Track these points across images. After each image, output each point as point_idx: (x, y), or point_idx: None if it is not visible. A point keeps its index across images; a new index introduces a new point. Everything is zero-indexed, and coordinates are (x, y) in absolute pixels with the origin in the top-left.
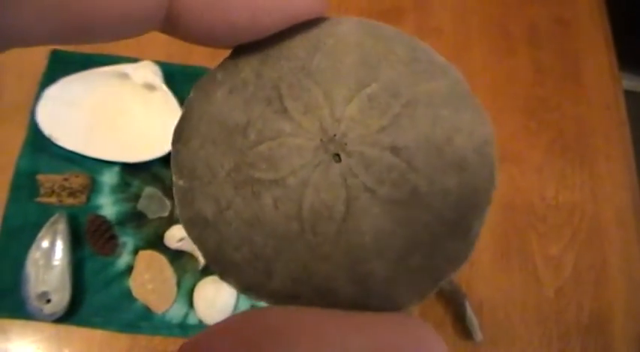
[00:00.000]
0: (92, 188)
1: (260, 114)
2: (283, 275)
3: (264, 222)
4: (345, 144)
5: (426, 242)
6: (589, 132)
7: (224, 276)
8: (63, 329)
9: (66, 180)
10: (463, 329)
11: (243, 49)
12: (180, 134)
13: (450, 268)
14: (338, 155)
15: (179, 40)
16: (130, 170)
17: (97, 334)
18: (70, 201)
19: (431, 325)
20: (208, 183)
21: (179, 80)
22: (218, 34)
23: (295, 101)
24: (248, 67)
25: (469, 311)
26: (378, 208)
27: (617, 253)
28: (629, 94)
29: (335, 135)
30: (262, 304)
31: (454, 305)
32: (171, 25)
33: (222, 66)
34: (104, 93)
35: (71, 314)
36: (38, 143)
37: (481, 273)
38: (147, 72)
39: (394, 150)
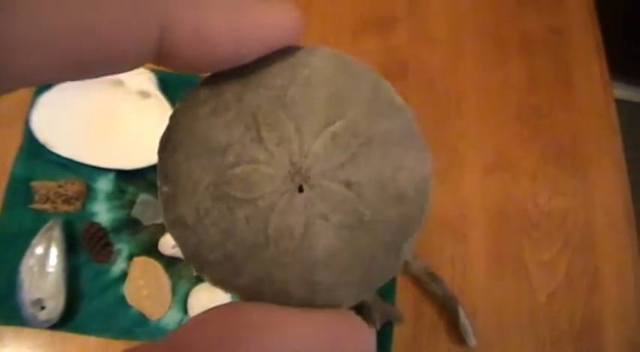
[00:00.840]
0: (87, 195)
1: (239, 138)
2: (249, 276)
3: (236, 233)
4: (309, 177)
5: (366, 259)
6: (581, 140)
7: (199, 272)
8: (58, 335)
9: (61, 186)
10: (457, 335)
11: (226, 74)
12: (165, 144)
13: (382, 279)
14: (301, 187)
15: (166, 68)
16: (125, 177)
17: (92, 341)
18: (64, 207)
19: (360, 318)
20: (190, 193)
21: (173, 87)
22: (204, 65)
23: (270, 132)
24: (230, 89)
25: (462, 316)
26: (330, 231)
27: (609, 259)
28: (620, 103)
29: (301, 168)
30: None
31: (448, 311)
32: (162, 58)
33: (205, 83)
34: (99, 100)
35: (66, 321)
36: (33, 150)
37: (474, 279)
38: (141, 79)
39: (348, 184)
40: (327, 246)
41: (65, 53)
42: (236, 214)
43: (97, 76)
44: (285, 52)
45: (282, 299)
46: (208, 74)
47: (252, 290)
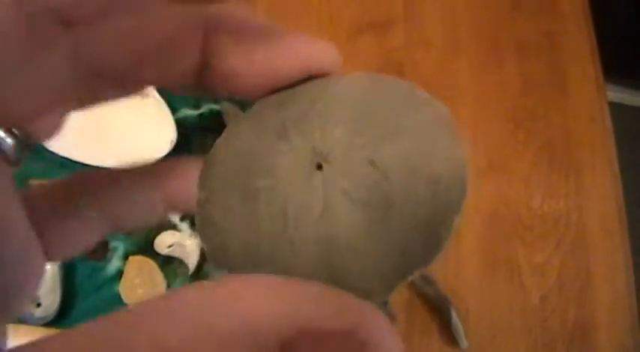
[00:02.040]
0: None
1: (266, 141)
2: (266, 268)
3: (258, 222)
4: (328, 155)
5: (398, 243)
6: (575, 143)
7: (221, 268)
8: (53, 332)
9: None
10: (449, 336)
11: (264, 102)
12: (209, 158)
13: (416, 268)
14: (320, 165)
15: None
16: None
17: None
18: None
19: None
20: (219, 193)
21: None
22: (246, 93)
23: (295, 128)
24: (268, 110)
25: (455, 318)
26: (353, 209)
27: (601, 262)
28: (614, 106)
29: (322, 152)
30: None
31: (440, 312)
32: (205, 87)
33: (247, 114)
34: None
35: (61, 319)
36: (31, 148)
37: (467, 281)
38: None
39: (371, 162)
40: (350, 225)
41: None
42: (258, 202)
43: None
44: (321, 79)
45: None
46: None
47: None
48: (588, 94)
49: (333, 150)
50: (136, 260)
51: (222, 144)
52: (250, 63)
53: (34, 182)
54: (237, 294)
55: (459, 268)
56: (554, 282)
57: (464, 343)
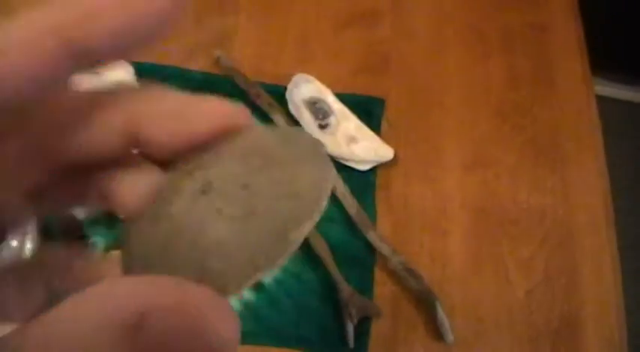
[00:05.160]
0: None
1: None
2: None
3: (166, 245)
4: (211, 182)
5: (253, 245)
6: (561, 137)
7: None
8: None
9: None
10: (434, 331)
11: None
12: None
13: (267, 266)
14: (205, 191)
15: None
16: None
17: None
18: None
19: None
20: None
21: (152, 79)
22: (171, 146)
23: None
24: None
25: (440, 312)
26: (221, 223)
27: (587, 257)
28: (601, 99)
29: (210, 181)
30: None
31: (425, 307)
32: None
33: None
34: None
35: None
36: None
37: (453, 275)
38: (119, 70)
39: (245, 186)
40: (217, 235)
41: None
42: (160, 231)
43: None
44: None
45: None
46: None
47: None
48: (575, 88)
49: (216, 180)
50: (117, 255)
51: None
52: (162, 133)
53: None
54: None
55: (444, 263)
56: (540, 277)
57: (449, 337)
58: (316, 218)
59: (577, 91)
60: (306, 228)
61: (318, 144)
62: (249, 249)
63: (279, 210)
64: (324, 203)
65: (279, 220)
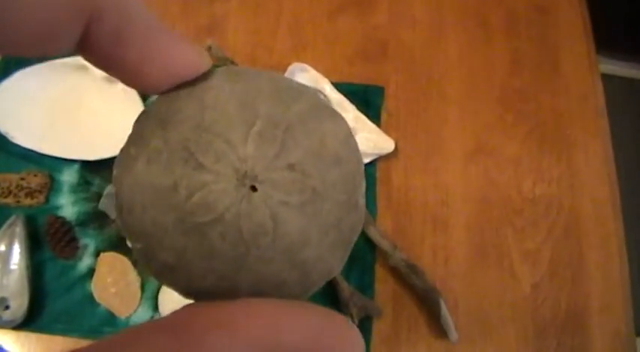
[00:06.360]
0: (51, 187)
1: (182, 173)
2: (246, 285)
3: (218, 252)
4: (256, 176)
5: (333, 222)
6: (567, 124)
7: (199, 300)
8: (23, 336)
9: (23, 179)
10: (438, 329)
11: (141, 122)
12: (121, 207)
13: (354, 234)
14: (254, 186)
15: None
16: (91, 168)
17: (59, 341)
18: (27, 201)
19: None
20: (161, 238)
21: None
22: (113, 66)
23: (205, 155)
24: (153, 136)
25: (444, 309)
26: (294, 213)
27: (594, 247)
28: (604, 78)
29: (246, 172)
30: None
31: (428, 304)
32: (82, 49)
33: (130, 141)
34: (62, 86)
35: (31, 321)
36: None
37: (456, 270)
38: None
39: (290, 166)
40: (297, 226)
41: None
42: (210, 236)
43: (15, 54)
44: (185, 85)
45: (284, 290)
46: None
47: (255, 294)
48: (581, 73)
49: (254, 167)
50: (107, 257)
51: (127, 182)
52: (117, 33)
53: None
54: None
55: (447, 257)
56: (545, 270)
57: (453, 336)
58: (363, 173)
59: (582, 76)
60: (364, 188)
61: (307, 90)
62: (333, 227)
63: (333, 180)
64: (359, 156)
65: (340, 189)
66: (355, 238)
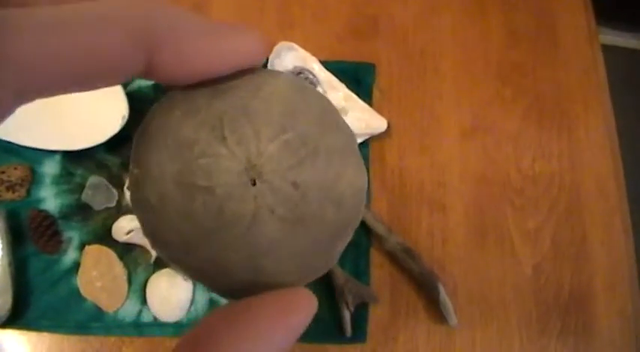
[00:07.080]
0: (32, 180)
1: (205, 137)
2: (200, 257)
3: (193, 216)
4: (261, 173)
5: (301, 252)
6: (567, 98)
7: (155, 248)
8: (8, 334)
9: (3, 172)
10: (437, 314)
11: (201, 83)
12: (142, 133)
13: (315, 274)
14: (254, 181)
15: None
16: (73, 158)
17: (46, 338)
18: (8, 195)
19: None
20: (157, 178)
21: None
22: (182, 81)
23: (232, 133)
24: (202, 96)
25: (443, 294)
26: (273, 223)
27: (597, 225)
28: (604, 48)
29: (256, 165)
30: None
31: (426, 289)
32: (149, 74)
33: (183, 90)
34: None
35: (16, 318)
36: None
37: (455, 253)
38: None
39: (295, 185)
40: (269, 235)
41: (65, 70)
42: (195, 199)
43: (89, 90)
44: (253, 71)
45: (226, 280)
46: None
47: (200, 269)
48: (580, 45)
49: (265, 166)
50: (93, 250)
51: (157, 124)
52: (178, 55)
53: None
54: None
55: (445, 239)
56: (547, 249)
57: (453, 320)
58: (354, 230)
59: (582, 48)
60: (350, 236)
61: (347, 130)
62: (299, 256)
63: (325, 219)
64: (363, 210)
65: (325, 230)
66: (312, 279)
